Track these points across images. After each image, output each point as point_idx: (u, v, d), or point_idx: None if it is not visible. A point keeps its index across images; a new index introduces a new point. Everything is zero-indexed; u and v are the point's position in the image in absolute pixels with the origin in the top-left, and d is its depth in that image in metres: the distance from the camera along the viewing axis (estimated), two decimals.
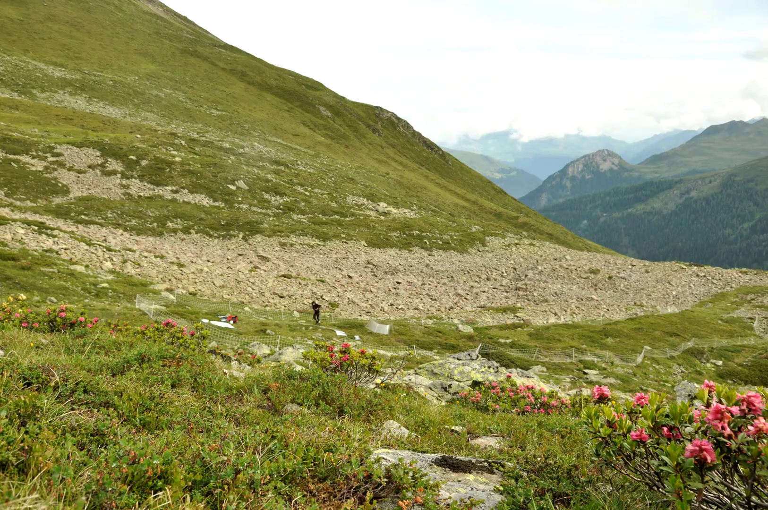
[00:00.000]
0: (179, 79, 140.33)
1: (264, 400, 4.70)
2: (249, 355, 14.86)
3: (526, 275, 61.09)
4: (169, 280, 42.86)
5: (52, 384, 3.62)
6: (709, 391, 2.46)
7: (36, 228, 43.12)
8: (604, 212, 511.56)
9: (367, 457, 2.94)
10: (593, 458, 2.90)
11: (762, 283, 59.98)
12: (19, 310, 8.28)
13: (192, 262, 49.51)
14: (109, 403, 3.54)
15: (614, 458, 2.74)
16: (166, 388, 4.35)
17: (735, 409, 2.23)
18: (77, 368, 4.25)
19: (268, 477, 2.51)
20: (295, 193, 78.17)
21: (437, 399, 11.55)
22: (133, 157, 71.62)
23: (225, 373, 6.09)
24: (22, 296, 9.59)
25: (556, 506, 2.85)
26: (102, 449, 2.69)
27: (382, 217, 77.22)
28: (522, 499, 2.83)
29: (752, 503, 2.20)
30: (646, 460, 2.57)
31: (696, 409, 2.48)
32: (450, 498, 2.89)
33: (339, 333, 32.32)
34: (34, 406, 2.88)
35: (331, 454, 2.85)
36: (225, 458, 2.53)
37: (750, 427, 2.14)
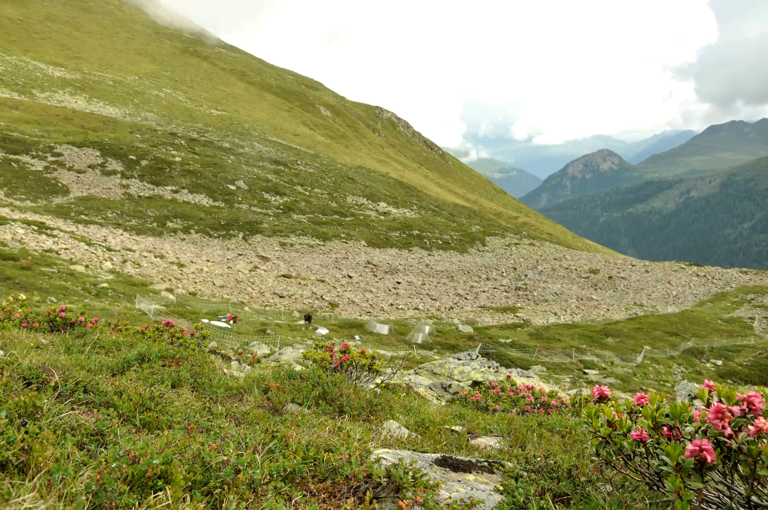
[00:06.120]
0: (179, 79, 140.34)
1: (264, 400, 4.70)
2: (249, 355, 14.85)
3: (526, 275, 61.09)
4: (169, 280, 42.86)
5: (52, 384, 3.62)
6: (710, 391, 2.46)
7: (36, 228, 43.12)
8: (604, 212, 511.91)
9: (367, 457, 2.94)
10: (593, 458, 2.90)
11: (762, 283, 59.99)
12: (19, 309, 8.28)
13: (192, 262, 49.51)
14: (109, 403, 3.54)
15: (614, 458, 2.73)
16: (166, 388, 4.36)
17: (735, 409, 2.23)
18: (77, 368, 4.25)
19: (268, 477, 2.51)
20: (295, 193, 78.18)
21: (437, 399, 11.55)
22: (133, 157, 71.62)
23: (225, 373, 6.09)
24: (22, 296, 9.59)
25: (556, 506, 2.85)
26: (102, 449, 2.69)
27: (382, 217, 77.22)
28: (522, 499, 2.83)
29: (752, 503, 2.20)
30: (646, 460, 2.57)
31: (696, 409, 2.48)
32: (450, 498, 2.89)
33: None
34: (34, 406, 2.88)
35: (331, 454, 2.85)
36: (225, 458, 2.53)
37: (750, 427, 2.14)
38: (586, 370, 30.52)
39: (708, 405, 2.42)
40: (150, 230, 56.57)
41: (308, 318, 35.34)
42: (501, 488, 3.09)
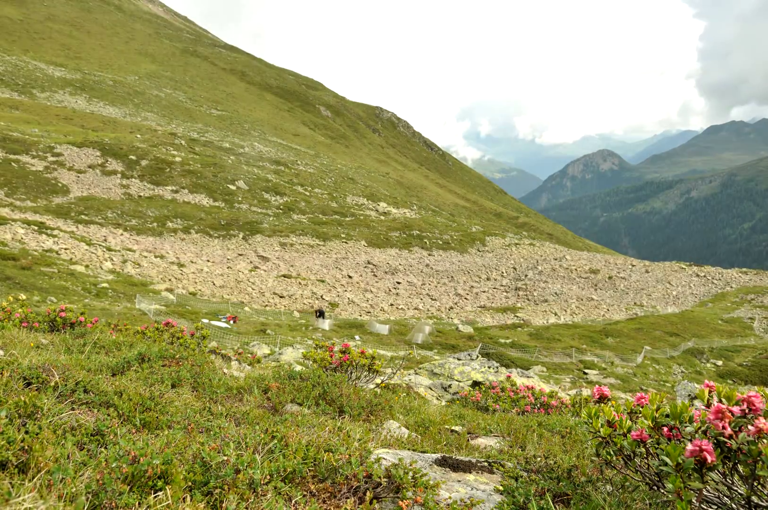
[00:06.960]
0: (179, 79, 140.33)
1: (264, 400, 4.70)
2: (249, 355, 14.84)
3: (526, 275, 61.07)
4: (169, 280, 42.85)
5: (52, 384, 3.62)
6: (710, 391, 2.46)
7: (36, 228, 43.12)
8: (604, 212, 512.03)
9: (367, 457, 2.93)
10: (593, 458, 2.90)
11: (762, 283, 59.98)
12: (19, 310, 8.28)
13: (192, 262, 49.50)
14: (109, 403, 3.54)
15: (614, 458, 2.73)
16: (166, 388, 4.36)
17: (736, 409, 2.23)
18: (77, 368, 4.25)
19: (268, 477, 2.51)
20: (295, 193, 78.16)
21: (437, 399, 11.54)
22: (133, 157, 71.62)
23: (225, 373, 6.09)
24: (22, 296, 9.58)
25: (557, 506, 2.85)
26: (102, 449, 2.69)
27: (382, 217, 77.21)
28: (522, 499, 2.82)
29: (752, 503, 2.20)
30: (646, 460, 2.57)
31: (696, 409, 2.48)
32: (450, 498, 2.89)
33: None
34: (34, 406, 2.88)
35: (331, 454, 2.85)
36: (225, 458, 2.52)
37: (750, 427, 2.14)
38: (586, 371, 30.51)
39: (708, 405, 2.42)
40: (150, 230, 56.55)
41: (320, 313, 36.06)
42: (501, 488, 3.09)
